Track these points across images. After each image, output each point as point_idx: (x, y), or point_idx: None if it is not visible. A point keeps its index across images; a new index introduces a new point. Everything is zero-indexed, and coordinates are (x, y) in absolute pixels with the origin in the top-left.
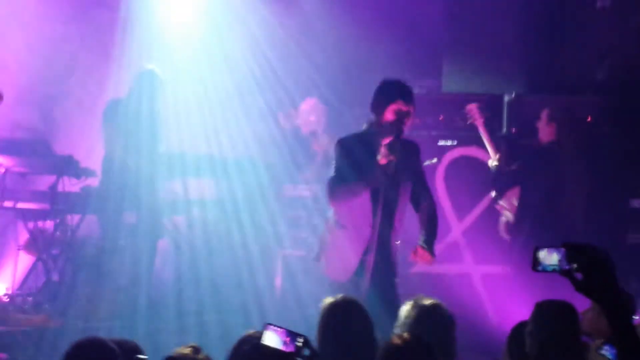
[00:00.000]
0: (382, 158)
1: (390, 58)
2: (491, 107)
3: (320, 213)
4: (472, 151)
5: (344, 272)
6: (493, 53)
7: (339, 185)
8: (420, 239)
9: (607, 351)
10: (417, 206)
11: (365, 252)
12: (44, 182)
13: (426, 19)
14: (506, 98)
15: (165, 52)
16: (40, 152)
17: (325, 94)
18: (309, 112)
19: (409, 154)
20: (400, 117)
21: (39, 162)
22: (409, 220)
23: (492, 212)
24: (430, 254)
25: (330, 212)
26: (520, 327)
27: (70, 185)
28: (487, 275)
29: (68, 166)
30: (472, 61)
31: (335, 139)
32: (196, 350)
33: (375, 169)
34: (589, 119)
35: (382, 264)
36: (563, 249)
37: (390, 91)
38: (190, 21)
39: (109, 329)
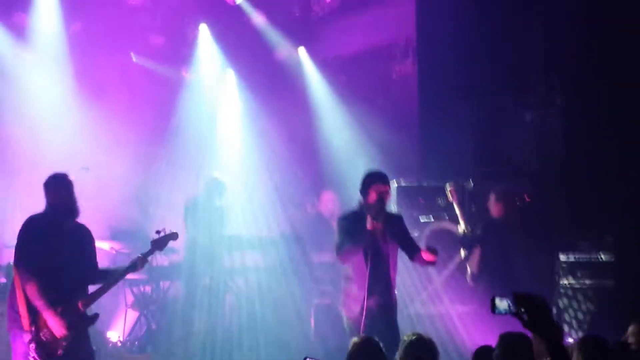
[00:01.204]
0: (368, 224)
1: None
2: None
3: (338, 273)
4: (445, 224)
5: (354, 314)
6: (452, 151)
7: (341, 248)
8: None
9: None
10: (412, 257)
11: (365, 298)
12: None
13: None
14: (467, 185)
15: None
16: (140, 238)
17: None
18: (328, 201)
19: (394, 222)
20: (381, 195)
21: (138, 245)
22: None
23: (462, 267)
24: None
25: (343, 269)
26: (481, 349)
27: (161, 260)
28: (461, 313)
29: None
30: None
31: None
32: None
33: (365, 234)
34: (527, 198)
35: (382, 307)
36: (512, 297)
37: (371, 177)
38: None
39: None
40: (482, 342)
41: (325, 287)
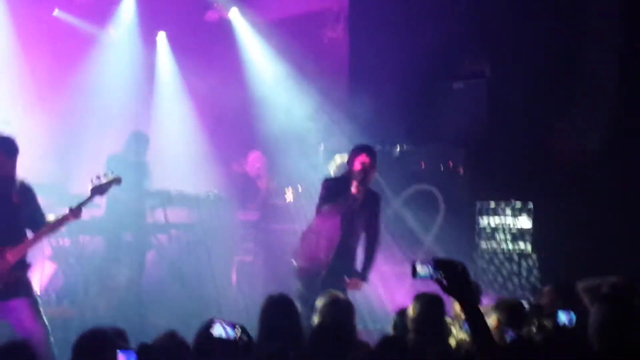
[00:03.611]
0: (353, 188)
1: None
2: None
3: (263, 231)
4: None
5: (311, 263)
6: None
7: (323, 207)
8: (358, 268)
9: (467, 327)
10: (367, 235)
11: (330, 253)
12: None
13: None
14: (394, 151)
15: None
16: (60, 192)
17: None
18: (255, 161)
19: (371, 199)
20: (364, 165)
21: (59, 199)
22: None
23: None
24: (363, 280)
25: (309, 227)
26: (401, 311)
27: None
28: (383, 273)
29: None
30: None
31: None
32: (172, 335)
33: (346, 199)
34: (450, 164)
35: (340, 264)
36: (432, 262)
37: (357, 148)
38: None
39: (110, 317)
40: (402, 303)
41: (248, 244)
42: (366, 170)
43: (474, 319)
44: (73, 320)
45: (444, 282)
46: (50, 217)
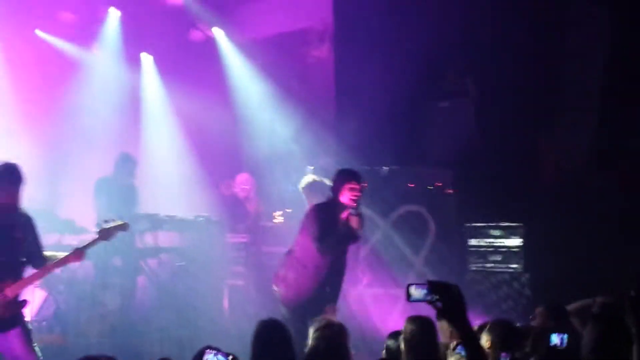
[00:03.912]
0: (355, 223)
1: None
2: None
3: (254, 254)
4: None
5: (297, 294)
6: (368, 137)
7: (324, 240)
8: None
9: (460, 351)
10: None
11: (322, 286)
12: (52, 238)
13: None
14: (382, 171)
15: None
16: (47, 217)
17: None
18: (244, 183)
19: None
20: (354, 192)
21: (47, 225)
22: None
23: (374, 251)
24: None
25: (292, 254)
26: (393, 334)
27: (70, 239)
28: (376, 295)
29: (69, 227)
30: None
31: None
32: None
33: (336, 229)
34: (439, 184)
35: (327, 293)
36: (427, 285)
37: (346, 175)
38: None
39: (101, 344)
40: (394, 325)
41: (239, 268)
42: (357, 198)
43: (470, 341)
44: (65, 348)
45: (439, 304)
46: (47, 253)
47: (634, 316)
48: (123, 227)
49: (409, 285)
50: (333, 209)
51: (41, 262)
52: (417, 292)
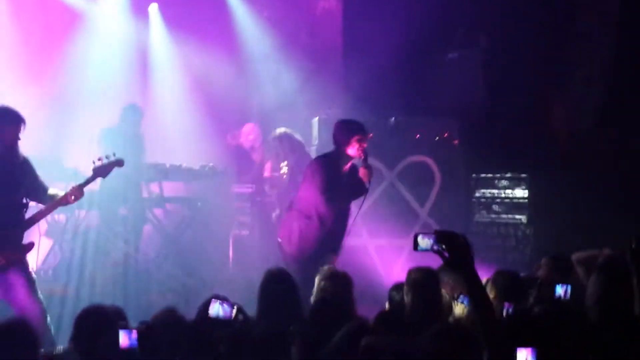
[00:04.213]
0: (362, 174)
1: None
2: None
3: (259, 204)
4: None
5: (304, 250)
6: (376, 88)
7: (331, 191)
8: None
9: (462, 300)
10: None
11: (326, 236)
12: (57, 186)
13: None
14: (389, 122)
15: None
16: (54, 167)
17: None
18: (249, 133)
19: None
20: (362, 145)
21: (53, 173)
22: None
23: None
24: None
25: (295, 206)
26: (397, 285)
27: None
28: (378, 246)
29: (74, 176)
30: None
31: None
32: (171, 312)
33: (345, 181)
34: (446, 135)
35: (329, 245)
36: (434, 235)
37: (353, 128)
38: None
39: (106, 294)
40: (398, 276)
41: (244, 218)
42: (365, 151)
43: (476, 291)
44: (70, 298)
45: (446, 254)
46: (52, 190)
47: (635, 267)
48: (118, 163)
49: (416, 235)
50: (337, 160)
51: (47, 199)
52: (424, 241)
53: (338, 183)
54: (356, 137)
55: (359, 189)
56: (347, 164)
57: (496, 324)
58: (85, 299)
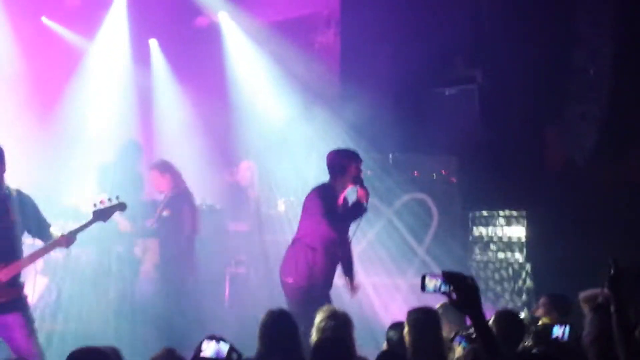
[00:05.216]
0: (361, 197)
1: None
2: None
3: (256, 243)
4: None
5: (311, 280)
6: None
7: (335, 214)
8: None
9: (459, 341)
10: None
11: (334, 266)
12: (56, 225)
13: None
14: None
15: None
16: (53, 205)
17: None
18: (246, 170)
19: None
20: (359, 171)
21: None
22: None
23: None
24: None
25: (299, 241)
26: (395, 325)
27: (72, 225)
28: (376, 284)
29: (73, 213)
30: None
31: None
32: (171, 352)
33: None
34: (443, 172)
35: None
36: (442, 276)
37: (351, 155)
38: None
39: (103, 332)
40: (395, 315)
41: (240, 256)
42: (360, 176)
43: (484, 332)
44: (67, 335)
45: (454, 295)
46: (54, 230)
47: (613, 295)
48: (120, 207)
49: (423, 276)
50: (333, 189)
51: (49, 236)
52: (431, 282)
53: (336, 209)
54: (353, 164)
55: (358, 210)
56: (342, 192)
57: None
58: (83, 336)
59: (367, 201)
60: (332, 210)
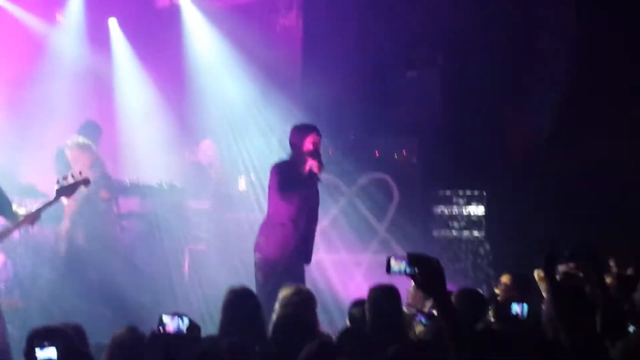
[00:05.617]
0: (315, 169)
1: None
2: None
3: (213, 220)
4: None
5: (279, 254)
6: (335, 106)
7: (286, 188)
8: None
9: (420, 319)
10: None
11: (298, 241)
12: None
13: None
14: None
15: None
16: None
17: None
18: (207, 149)
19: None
20: (315, 144)
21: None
22: None
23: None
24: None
25: (269, 219)
26: (357, 302)
27: (30, 204)
28: (335, 261)
29: (30, 192)
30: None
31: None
32: (132, 330)
33: (300, 182)
34: (404, 153)
35: (303, 250)
36: (407, 258)
37: (306, 128)
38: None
39: (60, 309)
40: (355, 291)
41: (201, 233)
42: (319, 149)
43: (448, 313)
44: (23, 312)
45: (419, 277)
46: (20, 210)
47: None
48: (84, 181)
49: (389, 258)
50: (293, 164)
51: (12, 215)
52: (397, 264)
53: (292, 183)
54: (309, 137)
55: (308, 181)
56: (303, 166)
57: (465, 344)
58: (39, 314)
59: (318, 172)
60: (287, 185)
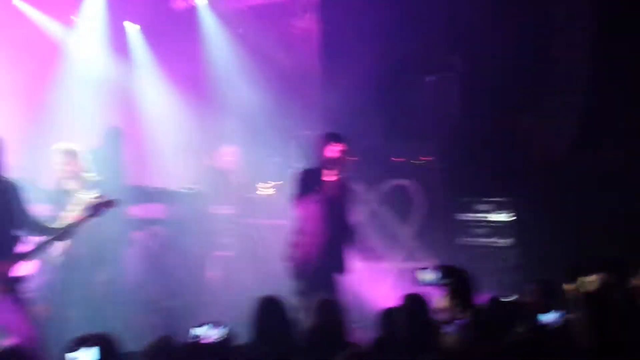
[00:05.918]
0: (330, 176)
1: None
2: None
3: (237, 226)
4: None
5: (307, 263)
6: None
7: (301, 197)
8: None
9: (449, 329)
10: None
11: (330, 249)
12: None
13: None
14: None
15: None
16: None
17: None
18: (228, 155)
19: (347, 188)
20: (336, 152)
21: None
22: None
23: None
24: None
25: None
26: (388, 310)
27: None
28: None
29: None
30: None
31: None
32: (167, 340)
33: (320, 188)
34: (425, 159)
35: (329, 258)
36: (439, 269)
37: (327, 137)
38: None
39: (89, 317)
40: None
41: (224, 239)
42: (341, 157)
43: (477, 320)
44: (52, 320)
45: (452, 287)
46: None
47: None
48: (111, 204)
49: (420, 269)
50: (313, 171)
51: (37, 229)
52: (429, 275)
53: (310, 191)
54: (330, 146)
55: (321, 190)
56: (327, 174)
57: (495, 353)
58: (69, 321)
59: (334, 183)
60: (306, 192)
